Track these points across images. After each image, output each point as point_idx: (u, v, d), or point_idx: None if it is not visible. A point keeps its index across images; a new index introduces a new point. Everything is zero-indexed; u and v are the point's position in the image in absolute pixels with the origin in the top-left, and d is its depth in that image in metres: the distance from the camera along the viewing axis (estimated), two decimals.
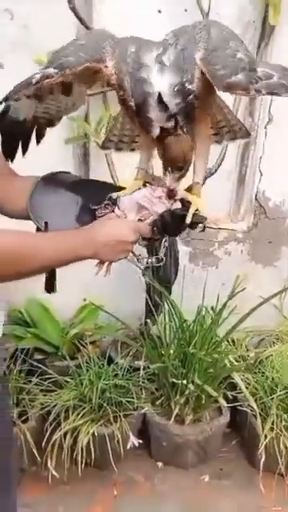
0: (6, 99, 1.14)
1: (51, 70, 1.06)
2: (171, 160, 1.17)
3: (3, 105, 1.19)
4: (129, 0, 2.15)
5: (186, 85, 1.04)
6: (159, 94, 1.03)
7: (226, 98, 1.16)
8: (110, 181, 2.11)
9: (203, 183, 2.13)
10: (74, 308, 2.48)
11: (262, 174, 2.39)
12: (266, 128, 2.30)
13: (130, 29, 1.99)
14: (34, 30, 2.09)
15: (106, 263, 1.23)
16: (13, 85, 1.12)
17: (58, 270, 1.37)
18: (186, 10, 2.15)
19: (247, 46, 2.20)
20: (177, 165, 1.18)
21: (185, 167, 1.20)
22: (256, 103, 2.26)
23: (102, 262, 1.23)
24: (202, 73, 1.03)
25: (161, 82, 1.04)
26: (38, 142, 1.31)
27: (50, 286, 1.34)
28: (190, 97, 1.05)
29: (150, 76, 1.04)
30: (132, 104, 1.07)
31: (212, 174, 2.11)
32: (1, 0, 2.07)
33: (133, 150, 1.35)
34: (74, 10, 1.77)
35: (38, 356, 2.25)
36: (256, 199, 2.44)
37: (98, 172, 2.30)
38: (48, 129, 1.35)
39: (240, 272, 2.36)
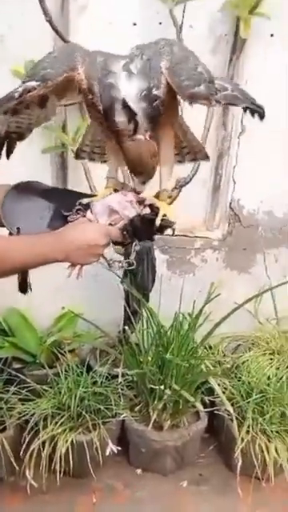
0: None
1: (33, 83, 1.11)
2: (131, 164, 1.22)
3: None
4: (105, 13, 2.19)
5: (153, 91, 1.11)
6: (123, 100, 1.09)
7: (200, 112, 1.21)
8: (87, 190, 2.15)
9: (179, 192, 2.20)
10: (53, 317, 2.49)
11: (235, 183, 2.45)
12: (238, 138, 2.36)
13: (106, 41, 2.04)
14: (11, 41, 2.12)
15: (78, 266, 1.26)
16: None
17: (36, 280, 1.39)
18: (160, 23, 2.20)
19: (219, 58, 2.31)
20: (136, 169, 1.23)
21: (145, 172, 1.24)
22: (229, 115, 2.32)
23: (73, 265, 1.26)
24: (167, 82, 1.11)
25: (128, 88, 1.11)
26: (8, 156, 1.34)
27: (24, 287, 1.37)
28: (156, 102, 1.11)
29: (118, 82, 1.11)
30: (100, 108, 1.13)
31: (187, 182, 2.15)
32: None
33: (105, 161, 1.40)
34: (50, 22, 1.81)
35: (16, 365, 2.24)
36: (230, 208, 2.50)
37: (76, 181, 2.33)
38: (27, 138, 1.39)
39: (216, 279, 2.41)
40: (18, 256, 1.17)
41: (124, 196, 1.31)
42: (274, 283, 2.46)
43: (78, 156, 1.54)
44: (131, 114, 1.11)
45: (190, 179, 2.15)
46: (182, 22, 2.08)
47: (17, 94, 1.12)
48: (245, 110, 1.26)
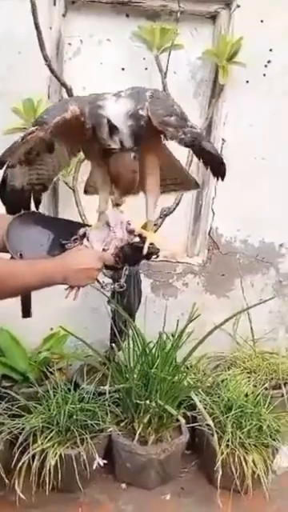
0: (1, 163, 1.35)
1: (32, 128, 1.30)
2: (113, 177, 1.36)
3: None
4: (96, 58, 2.41)
5: (139, 111, 1.27)
6: (107, 118, 1.25)
7: (184, 149, 1.40)
8: (77, 218, 2.31)
9: (163, 221, 2.38)
10: (41, 337, 2.59)
11: (214, 213, 2.64)
12: None
13: (96, 83, 2.27)
14: (11, 81, 2.29)
15: (75, 288, 1.40)
16: None
17: None
18: (146, 69, 2.43)
19: (200, 100, 2.53)
20: (118, 182, 1.36)
21: (125, 186, 1.36)
22: None
23: (71, 287, 1.41)
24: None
25: (115, 107, 1.27)
26: (37, 207, 1.51)
27: (27, 311, 1.51)
28: (142, 122, 1.27)
29: (106, 103, 1.28)
30: (89, 127, 1.28)
31: (171, 212, 2.33)
32: None
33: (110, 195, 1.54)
34: (49, 66, 1.99)
35: (6, 383, 2.32)
36: (210, 236, 2.68)
37: (66, 210, 2.48)
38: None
39: (197, 302, 2.57)
40: (23, 278, 1.31)
41: (119, 215, 1.48)
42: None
43: (86, 192, 1.71)
44: (116, 131, 1.25)
45: (174, 209, 2.33)
46: (167, 68, 2.30)
47: (20, 138, 1.31)
48: (206, 166, 1.48)
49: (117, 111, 1.26)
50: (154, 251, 1.46)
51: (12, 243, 1.41)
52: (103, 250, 1.45)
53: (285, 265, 2.77)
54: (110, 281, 1.79)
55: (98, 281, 1.53)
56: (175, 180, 1.61)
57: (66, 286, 1.41)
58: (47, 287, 1.35)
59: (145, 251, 1.43)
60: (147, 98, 1.29)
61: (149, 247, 1.44)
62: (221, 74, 2.35)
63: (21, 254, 1.39)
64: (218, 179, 1.53)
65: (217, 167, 1.49)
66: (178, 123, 1.29)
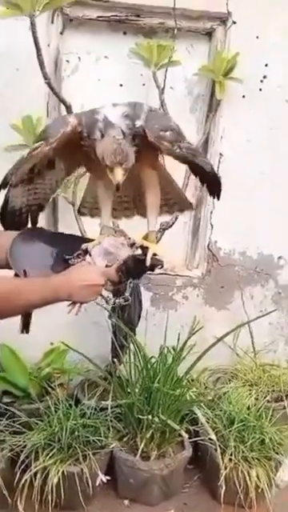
0: (5, 184, 1.37)
1: (37, 144, 1.31)
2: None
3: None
4: (94, 75, 2.44)
5: (136, 121, 1.28)
6: (104, 116, 1.26)
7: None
8: (76, 231, 2.31)
9: (162, 234, 2.38)
10: (41, 351, 2.58)
11: (212, 227, 2.66)
12: None
13: (94, 99, 2.28)
14: (9, 98, 2.30)
15: (78, 304, 1.40)
16: None
17: None
18: (143, 85, 2.46)
19: (197, 115, 2.56)
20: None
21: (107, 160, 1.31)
22: None
23: (73, 303, 1.41)
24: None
25: (111, 111, 1.28)
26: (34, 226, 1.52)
27: (26, 328, 1.51)
28: (138, 124, 1.28)
29: (102, 110, 1.30)
30: (86, 135, 1.29)
31: (170, 226, 2.34)
32: None
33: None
34: (49, 84, 2.01)
35: (6, 399, 2.31)
36: (209, 249, 2.70)
37: (65, 223, 2.49)
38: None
39: (197, 314, 2.58)
40: (29, 296, 1.31)
41: (116, 239, 1.48)
42: (250, 319, 2.64)
43: (79, 212, 1.72)
44: (111, 126, 1.25)
45: (173, 223, 2.34)
46: (165, 84, 2.32)
47: (25, 155, 1.33)
48: (202, 184, 1.50)
49: (113, 112, 1.28)
50: (157, 263, 1.46)
51: (16, 260, 1.41)
52: (106, 265, 1.45)
53: (283, 276, 2.78)
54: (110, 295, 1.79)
55: (103, 296, 1.53)
56: (169, 201, 1.61)
57: (68, 302, 1.42)
58: (52, 304, 1.36)
59: (148, 262, 1.43)
60: (145, 111, 1.31)
61: (152, 258, 1.43)
62: (217, 89, 2.38)
63: (25, 271, 1.39)
64: (214, 197, 1.56)
65: (213, 186, 1.53)
66: (174, 138, 1.31)
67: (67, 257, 1.46)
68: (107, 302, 1.58)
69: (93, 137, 1.27)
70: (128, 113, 1.28)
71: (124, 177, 1.27)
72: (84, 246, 1.47)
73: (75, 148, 1.35)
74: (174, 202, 1.63)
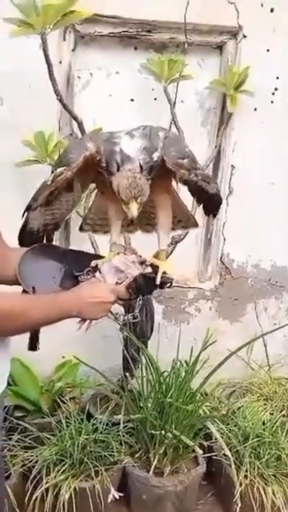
0: (28, 208, 1.38)
1: (60, 169, 1.31)
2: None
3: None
4: (105, 90, 2.46)
5: (153, 150, 1.28)
6: (121, 149, 1.26)
7: None
8: (88, 245, 2.31)
9: (174, 247, 2.37)
10: (52, 365, 2.57)
11: (225, 239, 2.65)
12: (227, 199, 2.58)
13: (105, 114, 2.29)
14: (21, 114, 2.31)
15: (87, 321, 1.40)
16: None
17: None
18: (155, 99, 2.48)
19: (209, 128, 2.57)
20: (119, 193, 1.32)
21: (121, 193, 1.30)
22: (218, 178, 2.55)
23: (83, 320, 1.40)
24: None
25: (129, 143, 1.28)
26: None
27: (34, 345, 1.50)
28: (155, 158, 1.28)
29: (120, 141, 1.29)
30: (103, 164, 1.29)
31: (182, 239, 2.34)
32: None
33: (107, 232, 1.55)
34: (61, 101, 2.03)
35: (18, 413, 2.30)
36: (221, 261, 2.68)
37: (78, 236, 2.49)
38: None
39: (209, 327, 2.55)
40: (39, 313, 1.29)
41: (127, 257, 1.48)
42: (264, 331, 2.61)
43: (81, 229, 1.72)
44: (128, 160, 1.26)
45: (185, 236, 2.33)
46: (176, 98, 2.34)
47: (49, 182, 1.33)
48: (198, 203, 1.50)
49: (131, 146, 1.28)
50: (167, 281, 1.45)
51: (25, 277, 1.40)
52: (116, 283, 1.44)
53: None
54: (123, 311, 1.78)
55: (112, 313, 1.52)
56: (174, 219, 1.60)
57: (78, 319, 1.41)
58: (61, 321, 1.35)
59: (158, 281, 1.42)
60: (161, 139, 1.31)
61: (162, 276, 1.43)
62: (229, 102, 2.39)
63: (34, 288, 1.38)
64: (208, 216, 1.57)
65: (212, 208, 1.53)
66: (191, 165, 1.32)
67: (77, 273, 1.45)
68: (116, 318, 1.57)
69: (110, 169, 1.28)
70: (145, 145, 1.28)
71: (139, 210, 1.28)
72: (93, 262, 1.46)
73: (91, 168, 1.35)
74: (178, 219, 1.62)
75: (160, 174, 1.31)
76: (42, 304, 1.32)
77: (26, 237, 1.46)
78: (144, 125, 1.38)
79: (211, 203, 1.50)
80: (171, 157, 1.29)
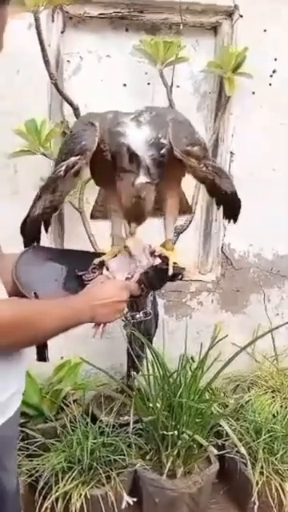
0: (38, 198, 1.27)
1: (74, 158, 1.18)
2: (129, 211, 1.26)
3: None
4: (96, 75, 2.33)
5: (161, 140, 1.17)
6: (128, 146, 1.15)
7: None
8: (86, 240, 2.20)
9: (177, 238, 2.28)
10: (52, 367, 2.45)
11: (225, 229, 2.56)
12: None
13: (97, 100, 2.16)
14: (10, 100, 2.17)
15: (101, 325, 1.26)
16: None
17: None
18: (148, 84, 2.36)
19: (205, 113, 2.47)
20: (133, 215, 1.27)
21: (141, 217, 1.27)
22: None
23: (97, 325, 1.25)
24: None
25: (136, 135, 1.17)
26: (46, 230, 1.37)
27: (43, 355, 1.33)
28: (163, 150, 1.17)
29: (126, 130, 1.17)
30: (108, 157, 1.18)
31: (184, 229, 2.24)
32: None
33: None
34: (55, 85, 1.90)
35: (20, 419, 2.17)
36: (222, 251, 2.59)
37: (73, 232, 2.38)
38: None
39: (212, 320, 2.47)
40: (49, 322, 1.13)
41: (138, 242, 1.36)
42: (267, 322, 2.55)
43: (92, 216, 1.60)
44: (137, 160, 1.15)
45: (187, 226, 2.24)
46: (172, 83, 2.22)
47: (62, 172, 1.20)
48: (218, 206, 1.41)
49: (138, 139, 1.16)
50: (179, 271, 1.35)
51: (23, 282, 1.24)
52: (126, 278, 1.33)
53: None
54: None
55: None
56: None
57: (92, 324, 1.28)
58: (72, 328, 1.21)
59: (170, 272, 1.31)
60: (169, 124, 1.20)
61: (173, 267, 1.33)
62: (227, 85, 2.28)
63: (35, 293, 1.22)
64: (229, 222, 1.47)
65: (231, 208, 1.43)
66: (202, 153, 1.22)
67: (80, 273, 1.32)
68: (126, 318, 1.46)
69: (118, 164, 1.17)
70: (153, 138, 1.16)
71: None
72: (96, 260, 1.34)
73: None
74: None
75: (170, 160, 1.20)
76: (52, 312, 1.14)
77: (27, 225, 1.34)
78: (150, 107, 1.27)
79: (226, 203, 1.40)
80: (181, 144, 1.18)
